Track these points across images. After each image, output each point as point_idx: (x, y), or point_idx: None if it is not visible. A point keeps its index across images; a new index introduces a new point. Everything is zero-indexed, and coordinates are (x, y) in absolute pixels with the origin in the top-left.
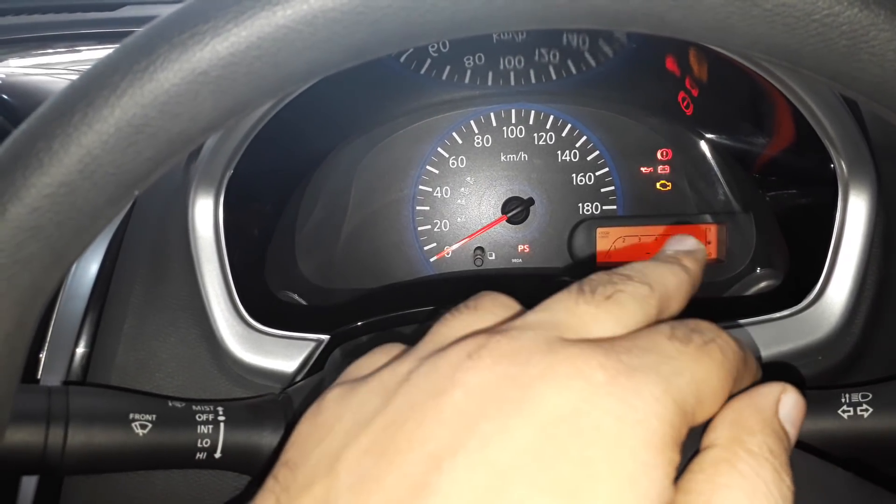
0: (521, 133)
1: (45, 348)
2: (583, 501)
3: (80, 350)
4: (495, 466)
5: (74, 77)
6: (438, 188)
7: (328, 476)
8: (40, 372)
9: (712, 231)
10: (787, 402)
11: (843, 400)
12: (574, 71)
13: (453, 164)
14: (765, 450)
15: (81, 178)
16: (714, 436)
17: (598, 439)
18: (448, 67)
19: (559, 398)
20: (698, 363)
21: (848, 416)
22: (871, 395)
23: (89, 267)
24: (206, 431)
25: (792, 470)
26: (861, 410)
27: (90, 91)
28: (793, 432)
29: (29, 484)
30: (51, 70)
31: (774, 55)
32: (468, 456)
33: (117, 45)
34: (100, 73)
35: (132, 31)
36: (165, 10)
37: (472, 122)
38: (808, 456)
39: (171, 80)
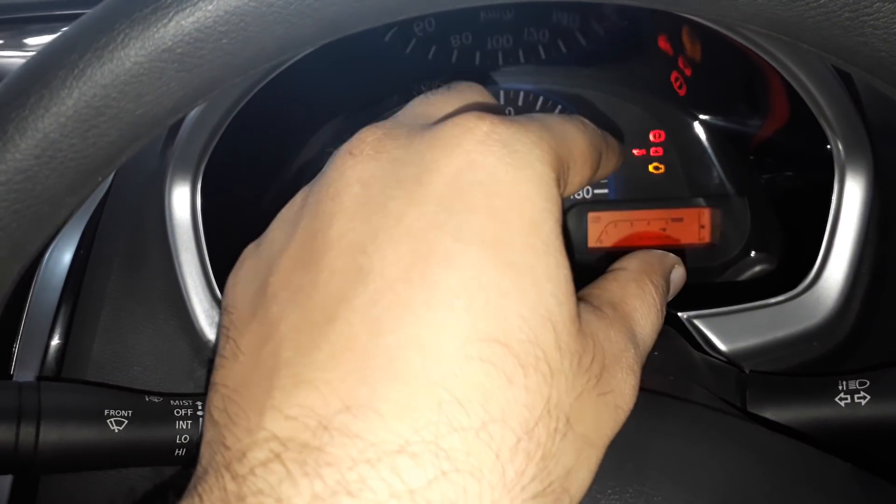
0: (510, 114)
1: (18, 341)
2: (503, 249)
3: (55, 343)
4: (415, 233)
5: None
6: None
7: (265, 299)
8: (13, 366)
9: (706, 215)
10: (678, 270)
11: (840, 388)
12: (564, 50)
13: None
14: (659, 284)
15: (39, 164)
16: (626, 264)
17: (498, 188)
18: (434, 47)
19: (451, 157)
20: (564, 123)
21: (845, 405)
22: (868, 383)
23: (63, 256)
24: (185, 427)
25: (789, 461)
26: (858, 398)
27: (46, 71)
28: (671, 291)
29: (4, 483)
30: (27, 52)
31: (774, 29)
32: (387, 232)
33: (74, 22)
34: (56, 52)
35: None
36: None
37: None
38: (806, 448)
39: (133, 59)
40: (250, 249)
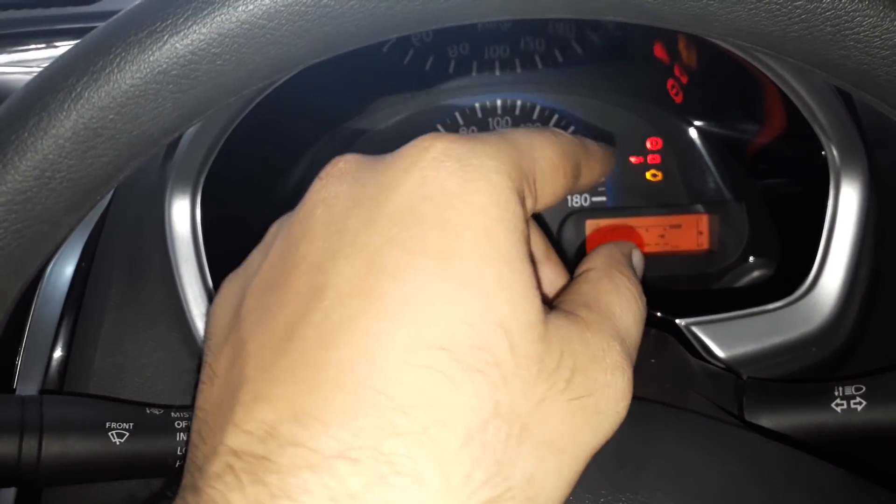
0: (507, 124)
1: (21, 355)
2: (452, 259)
3: (57, 355)
4: (369, 249)
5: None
6: None
7: (236, 323)
8: (16, 380)
9: (704, 221)
10: (636, 254)
11: (836, 393)
12: (560, 59)
13: None
14: (629, 273)
15: (39, 185)
16: (591, 264)
17: (449, 201)
18: (431, 58)
19: (406, 175)
20: (530, 135)
21: (841, 410)
22: (864, 388)
23: (64, 269)
24: (185, 438)
25: (783, 468)
26: (854, 404)
27: (44, 94)
28: (637, 275)
29: (7, 495)
30: (28, 67)
31: (757, 43)
32: (343, 250)
33: (72, 46)
34: (54, 75)
35: None
36: None
37: (456, 113)
38: (800, 455)
39: (130, 81)
40: (229, 277)
